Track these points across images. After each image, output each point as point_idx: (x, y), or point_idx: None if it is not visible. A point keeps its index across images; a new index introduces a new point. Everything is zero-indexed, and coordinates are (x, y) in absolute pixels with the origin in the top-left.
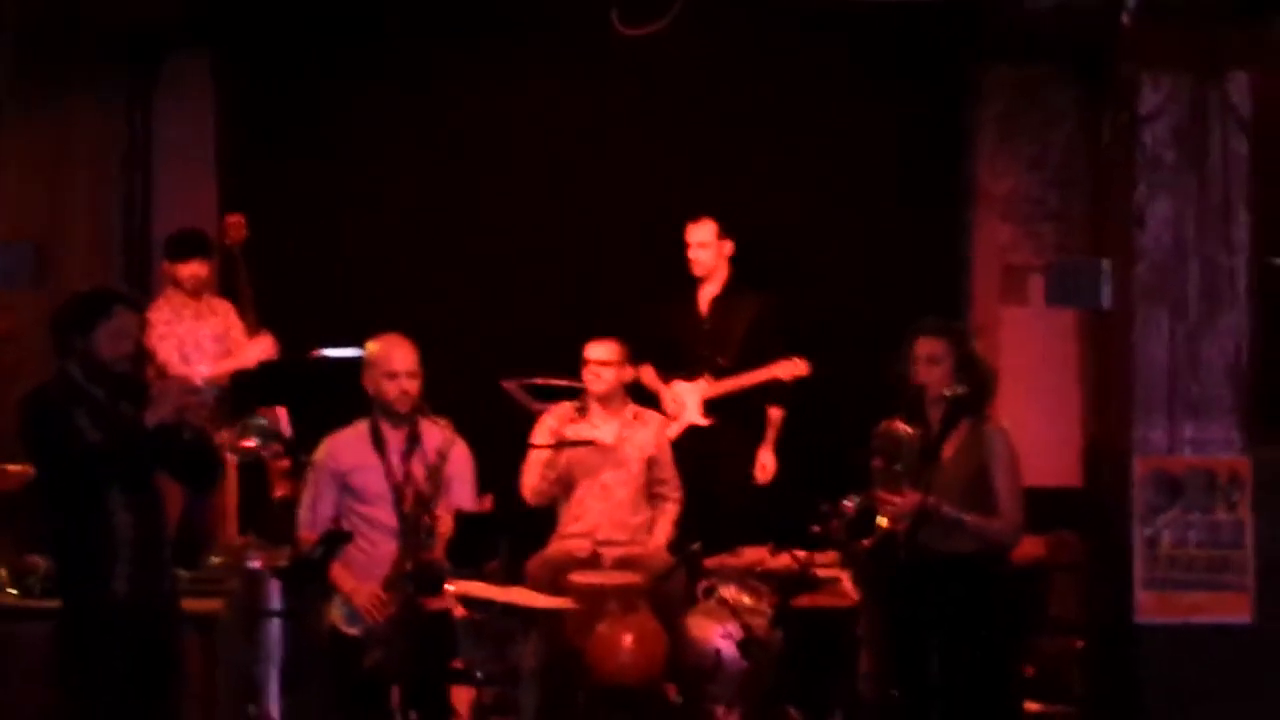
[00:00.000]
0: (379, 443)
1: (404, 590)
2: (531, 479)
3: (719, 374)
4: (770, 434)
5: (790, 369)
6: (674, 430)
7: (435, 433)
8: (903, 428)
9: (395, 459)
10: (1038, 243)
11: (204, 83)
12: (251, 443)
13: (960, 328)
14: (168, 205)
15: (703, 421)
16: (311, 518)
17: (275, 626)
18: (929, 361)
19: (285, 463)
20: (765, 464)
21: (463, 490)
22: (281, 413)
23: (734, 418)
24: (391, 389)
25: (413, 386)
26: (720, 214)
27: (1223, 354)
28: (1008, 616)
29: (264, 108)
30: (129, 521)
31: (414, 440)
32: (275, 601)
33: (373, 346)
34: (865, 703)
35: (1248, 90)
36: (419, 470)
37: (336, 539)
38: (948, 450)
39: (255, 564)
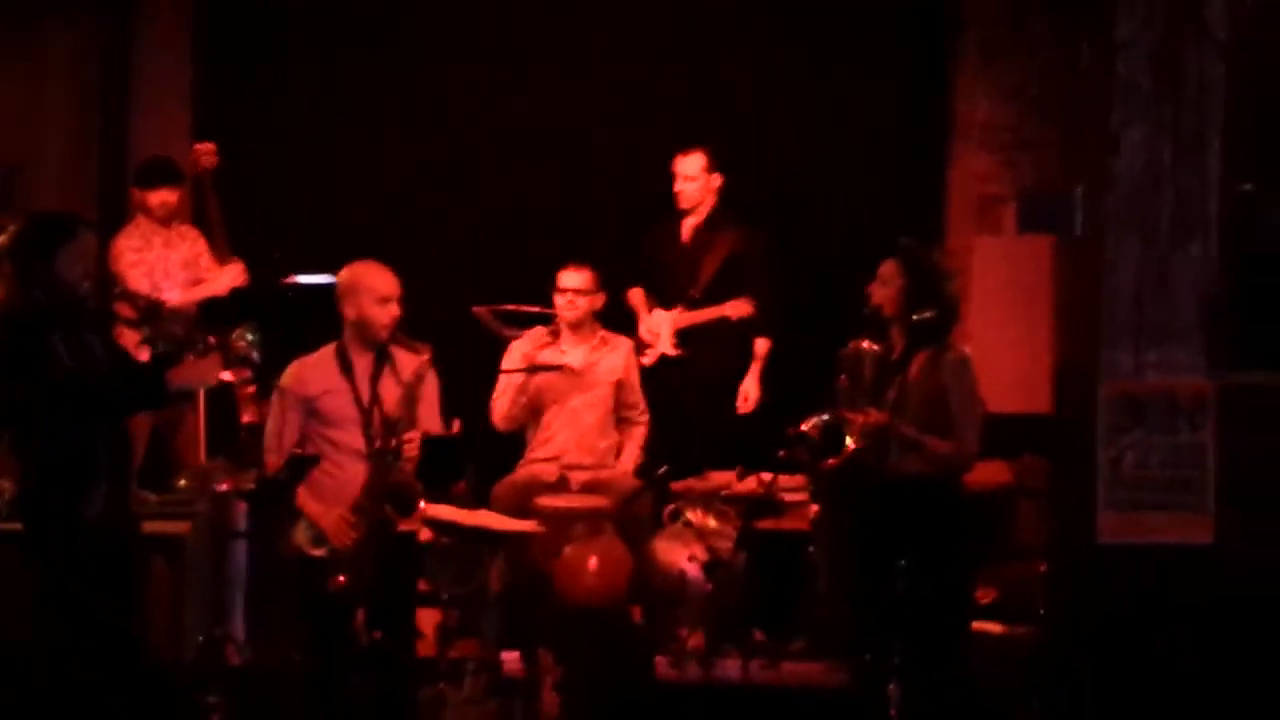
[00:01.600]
0: (347, 367)
1: (373, 513)
2: (502, 405)
3: (691, 305)
4: (755, 365)
5: (737, 309)
6: (648, 359)
7: (408, 358)
8: (867, 346)
9: (363, 383)
10: (1013, 172)
11: (180, 8)
12: (242, 374)
13: (921, 252)
14: (142, 133)
15: (673, 353)
16: (278, 443)
17: (241, 549)
18: (881, 281)
19: (253, 388)
20: (748, 394)
21: (429, 414)
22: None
23: (708, 348)
24: (382, 314)
25: (398, 311)
26: (713, 144)
27: (1191, 280)
28: (964, 539)
29: (238, 35)
30: (104, 445)
31: (383, 364)
32: (242, 524)
33: (360, 271)
34: (823, 624)
35: (1225, 16)
36: (388, 394)
37: (303, 463)
38: (910, 374)
39: (222, 487)
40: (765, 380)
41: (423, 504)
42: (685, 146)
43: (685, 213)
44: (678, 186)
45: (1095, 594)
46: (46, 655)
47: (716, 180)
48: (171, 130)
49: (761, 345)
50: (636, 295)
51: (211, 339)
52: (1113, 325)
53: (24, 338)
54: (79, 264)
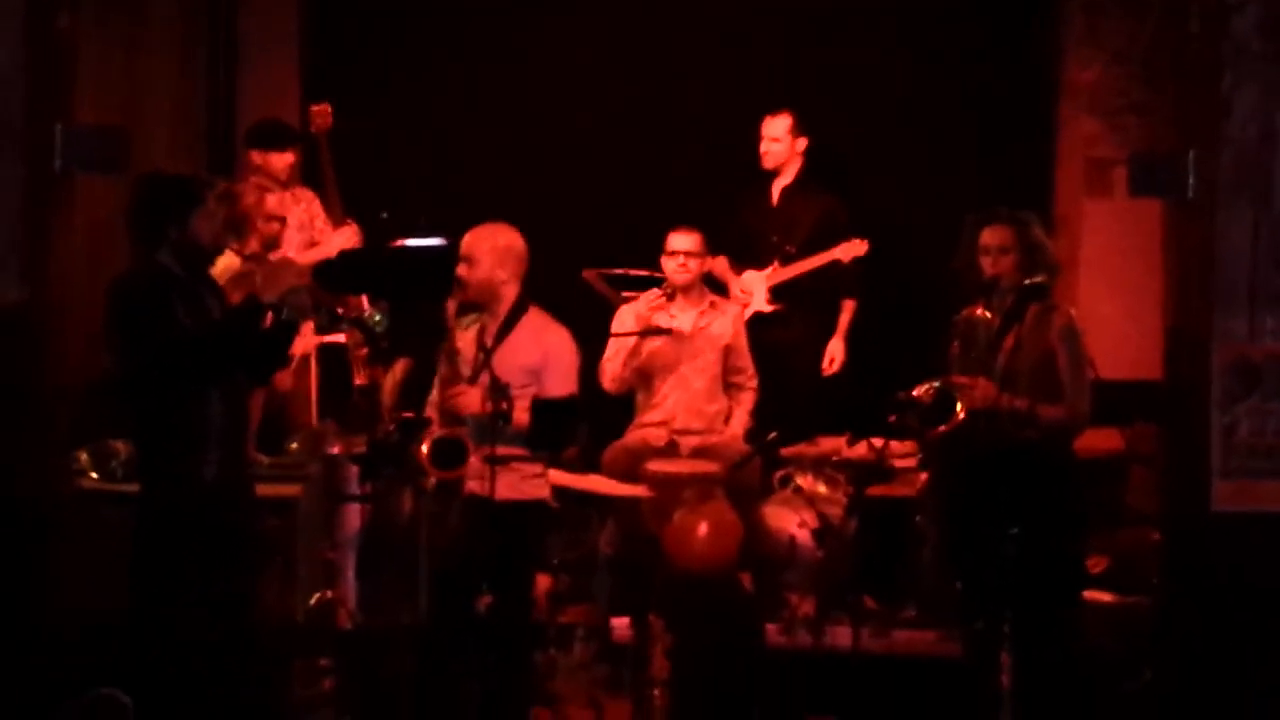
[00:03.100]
0: (480, 330)
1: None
2: (614, 367)
3: (786, 261)
4: (842, 324)
5: (850, 250)
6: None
7: (538, 325)
8: (983, 314)
9: (473, 344)
10: (1122, 136)
11: None
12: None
13: (1024, 216)
14: (252, 93)
15: (768, 309)
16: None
17: (353, 512)
18: (1000, 252)
19: (365, 350)
20: (834, 355)
21: (556, 378)
22: (364, 302)
23: (802, 306)
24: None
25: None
26: (803, 110)
27: None
28: (1076, 506)
29: None
30: (221, 410)
31: (509, 329)
32: (353, 487)
33: (513, 236)
34: (933, 592)
35: None
36: (506, 359)
37: (413, 425)
38: (1016, 337)
39: (334, 450)
40: (854, 343)
41: (532, 473)
42: (773, 109)
43: (771, 176)
44: (763, 147)
45: (1209, 563)
46: (154, 618)
47: (802, 143)
48: (280, 93)
49: (849, 305)
50: (720, 264)
51: (340, 310)
52: (1226, 290)
53: (147, 300)
54: (210, 227)
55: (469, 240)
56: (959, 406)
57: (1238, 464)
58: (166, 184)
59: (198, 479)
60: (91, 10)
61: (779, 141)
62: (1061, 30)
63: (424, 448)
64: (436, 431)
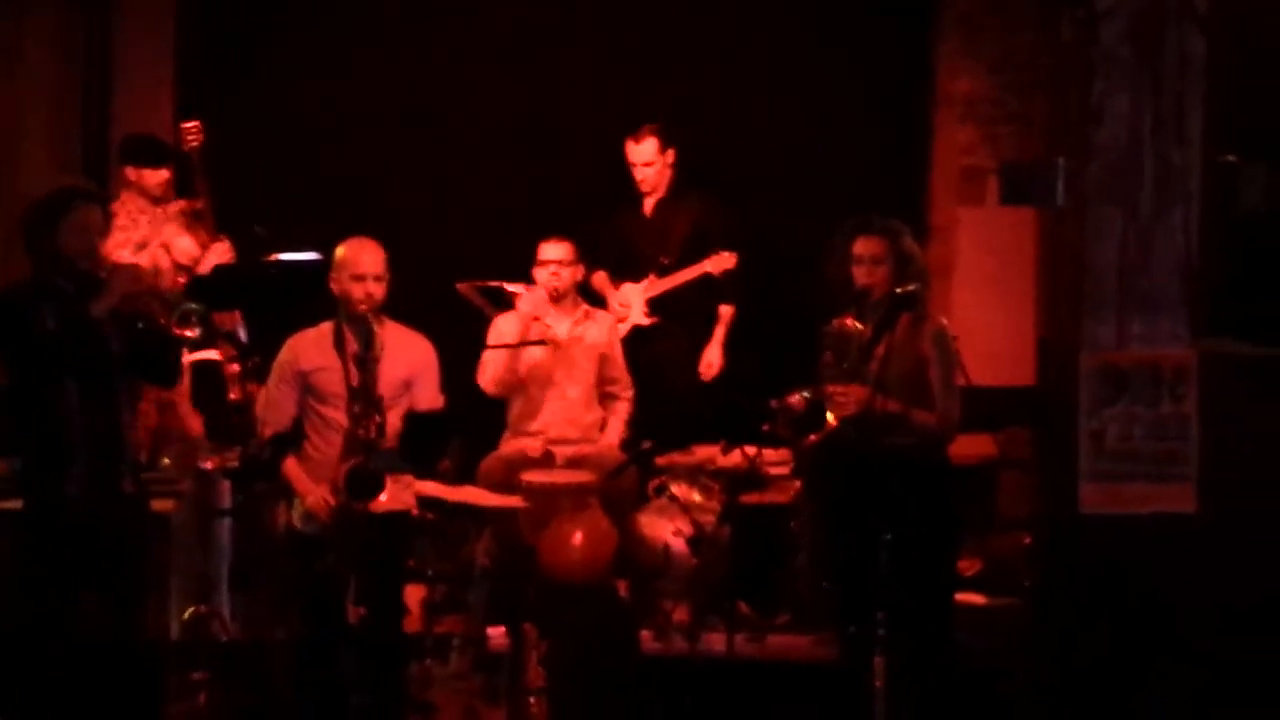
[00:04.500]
0: (340, 344)
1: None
2: (495, 369)
3: (663, 273)
4: (719, 331)
5: (719, 263)
6: (622, 331)
7: (402, 336)
8: (853, 324)
9: (352, 361)
10: (996, 145)
11: None
12: (194, 331)
13: (896, 225)
14: (125, 111)
15: (646, 321)
16: (274, 415)
17: (226, 526)
18: (873, 262)
19: (237, 366)
20: (711, 361)
21: (426, 391)
22: (237, 317)
23: (680, 316)
24: (357, 290)
25: (378, 290)
26: (673, 114)
27: (1173, 250)
28: (948, 511)
29: (223, 10)
30: (84, 422)
31: (371, 342)
32: (226, 502)
33: (341, 249)
34: (806, 598)
35: None
36: (377, 374)
37: (285, 440)
38: (888, 345)
39: (207, 465)
40: (732, 349)
41: (400, 485)
42: (635, 129)
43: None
44: (637, 174)
45: (1079, 565)
46: (25, 634)
47: (671, 156)
48: (153, 108)
49: (726, 312)
50: (600, 278)
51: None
52: (1095, 296)
53: (13, 309)
54: (80, 236)
55: (367, 253)
56: (830, 416)
57: (1106, 467)
58: (37, 200)
59: (62, 493)
60: None
61: (651, 165)
62: (938, 40)
63: (341, 476)
64: (352, 461)
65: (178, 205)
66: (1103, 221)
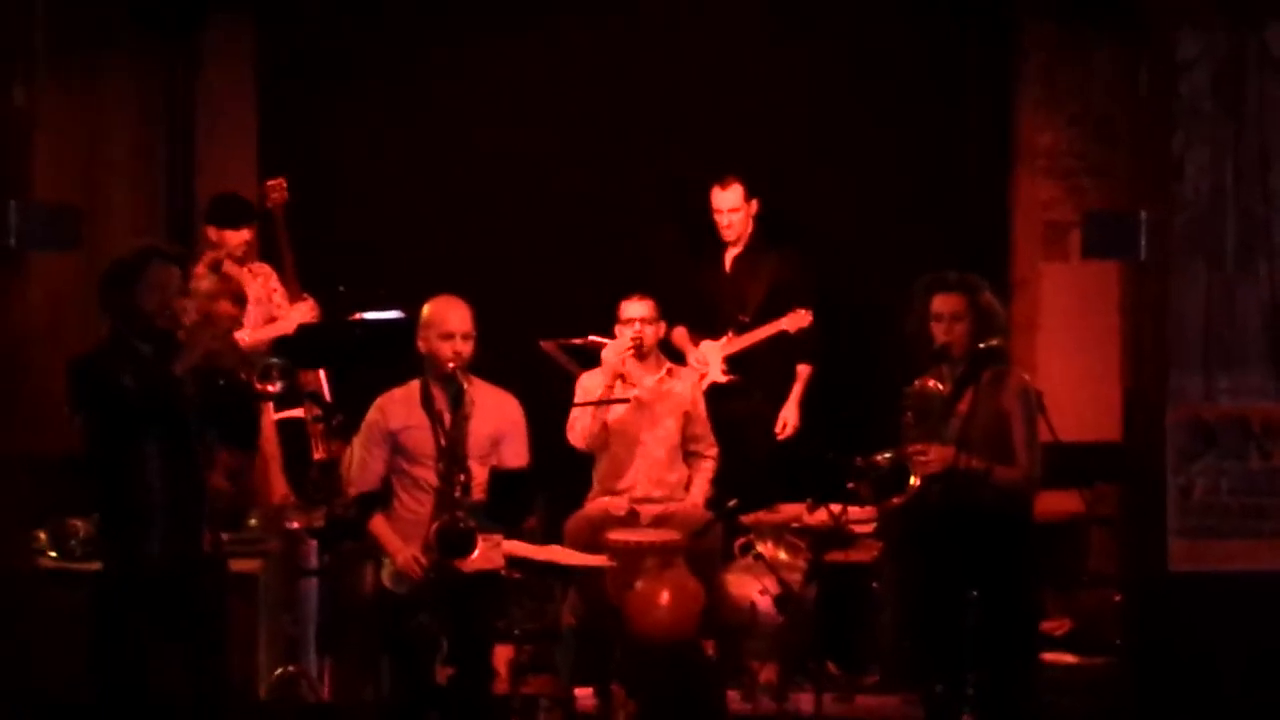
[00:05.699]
0: (428, 402)
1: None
2: (584, 426)
3: (740, 330)
4: (796, 390)
5: (795, 321)
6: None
7: (490, 395)
8: (934, 385)
9: (444, 420)
10: (1079, 198)
11: (246, 43)
12: (276, 386)
13: (974, 281)
14: (209, 168)
15: (724, 379)
16: (361, 475)
17: (313, 586)
18: (952, 319)
19: (323, 425)
20: (787, 420)
21: (513, 449)
22: (321, 376)
23: (759, 375)
24: (445, 349)
25: (466, 348)
26: (754, 169)
27: (1259, 303)
28: (1034, 568)
29: (305, 70)
30: (163, 484)
31: (461, 401)
32: (313, 562)
33: (428, 307)
34: (894, 657)
35: None
36: (467, 432)
37: (371, 500)
38: (971, 402)
39: (293, 525)
40: (811, 407)
41: (489, 544)
42: (721, 177)
43: (726, 244)
44: (722, 221)
45: (1169, 623)
46: (109, 697)
47: (755, 206)
48: (237, 167)
49: (803, 371)
50: (680, 334)
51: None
52: (1180, 349)
53: (94, 370)
54: (156, 294)
55: (455, 311)
56: (913, 477)
57: (1194, 523)
58: (115, 260)
59: (142, 554)
60: (49, 86)
61: (737, 211)
62: (1018, 93)
63: (433, 534)
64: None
65: (262, 267)
66: (1187, 274)
